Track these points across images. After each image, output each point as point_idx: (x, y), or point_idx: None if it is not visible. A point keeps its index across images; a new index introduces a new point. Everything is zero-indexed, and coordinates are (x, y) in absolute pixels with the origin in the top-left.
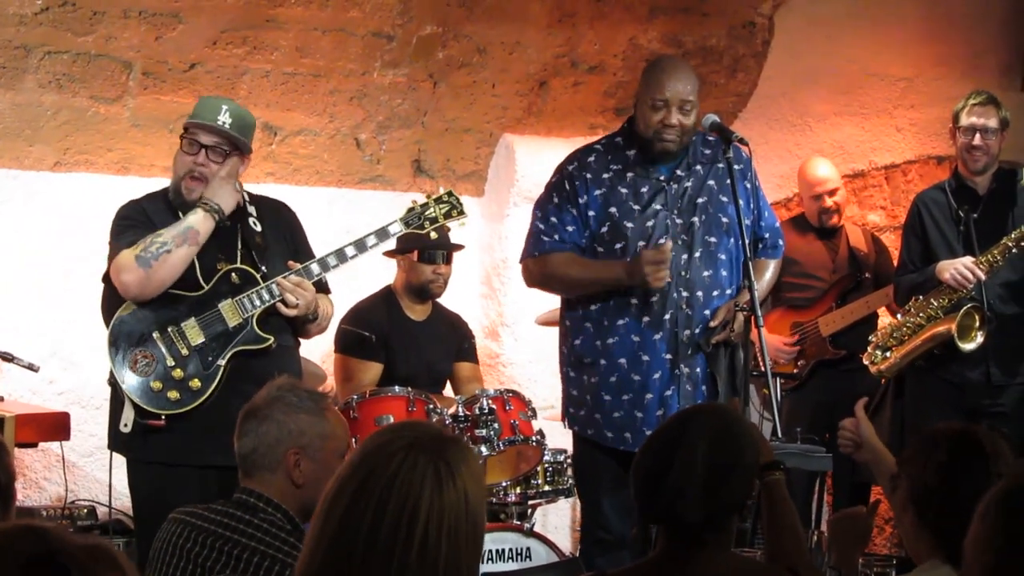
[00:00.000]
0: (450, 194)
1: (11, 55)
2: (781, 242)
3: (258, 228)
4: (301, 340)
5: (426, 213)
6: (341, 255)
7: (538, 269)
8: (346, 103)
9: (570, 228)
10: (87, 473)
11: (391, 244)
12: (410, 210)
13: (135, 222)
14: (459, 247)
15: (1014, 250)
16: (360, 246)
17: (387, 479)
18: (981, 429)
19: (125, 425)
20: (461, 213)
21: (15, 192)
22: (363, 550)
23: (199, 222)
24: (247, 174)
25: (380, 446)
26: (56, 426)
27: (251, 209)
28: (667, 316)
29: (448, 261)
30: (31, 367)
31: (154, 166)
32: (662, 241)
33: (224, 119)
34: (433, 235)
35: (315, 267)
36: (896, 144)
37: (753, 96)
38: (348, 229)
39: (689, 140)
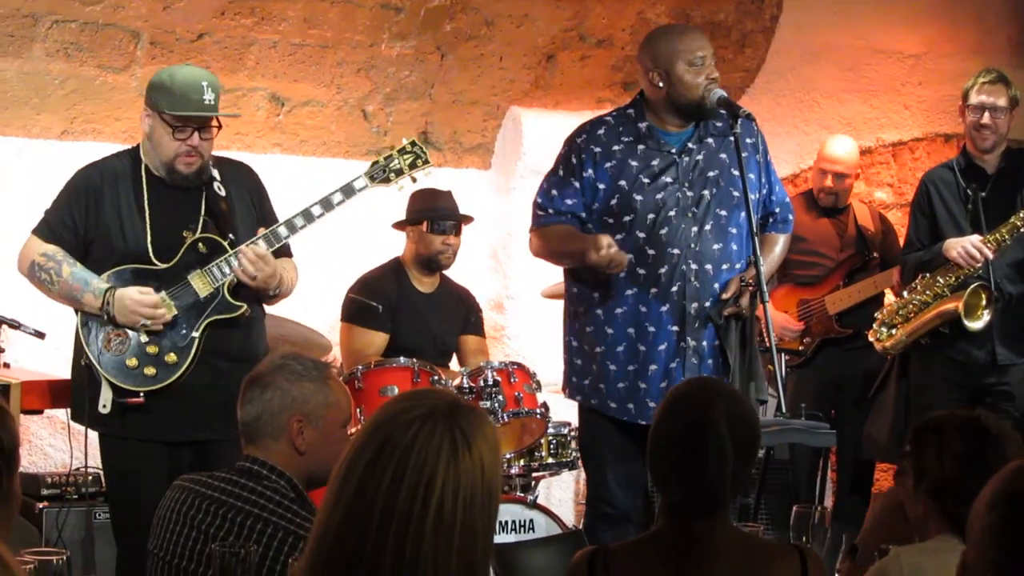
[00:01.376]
0: (414, 144)
1: (19, 24)
2: (791, 217)
3: (222, 192)
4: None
5: (391, 165)
6: (308, 215)
7: (537, 241)
8: (353, 74)
9: (569, 201)
10: (92, 440)
11: (392, 211)
12: (374, 164)
13: (70, 211)
14: (469, 219)
15: (1022, 229)
16: (326, 204)
17: (404, 448)
18: (983, 413)
19: (104, 406)
20: (426, 162)
21: (23, 161)
22: (380, 519)
23: (88, 303)
24: (254, 145)
25: (396, 414)
26: (62, 393)
27: (215, 173)
28: (674, 288)
29: (458, 232)
30: (37, 334)
31: None
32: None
33: (209, 97)
34: (399, 187)
35: (283, 230)
36: (904, 121)
37: (761, 71)
38: (354, 201)
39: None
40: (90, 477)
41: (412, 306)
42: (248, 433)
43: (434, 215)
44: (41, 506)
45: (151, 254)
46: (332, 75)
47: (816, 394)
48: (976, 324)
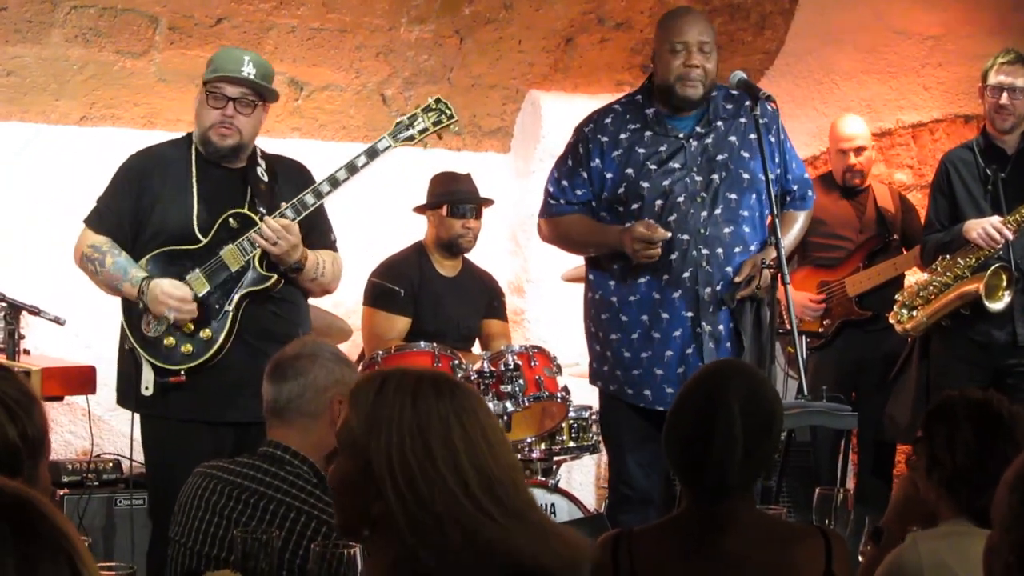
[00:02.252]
0: (438, 100)
1: (38, 9)
2: (811, 193)
3: (264, 178)
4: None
5: (415, 124)
6: (333, 180)
7: (549, 230)
8: (372, 59)
9: (579, 191)
10: (112, 427)
11: (412, 195)
12: (398, 123)
13: (121, 197)
14: (489, 202)
15: None
16: (351, 168)
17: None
18: (995, 396)
19: (146, 388)
20: (451, 118)
21: (41, 146)
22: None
23: (126, 292)
24: (273, 129)
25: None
26: (82, 380)
27: (261, 162)
28: (686, 274)
29: (478, 216)
30: (57, 320)
31: (180, 120)
32: (663, 231)
33: (248, 70)
34: (425, 145)
35: (309, 197)
36: (923, 102)
37: (780, 54)
38: (373, 184)
39: (711, 89)
40: (110, 464)
41: (434, 290)
42: (283, 412)
43: (453, 199)
44: (62, 493)
45: (197, 233)
46: (351, 59)
47: (836, 376)
48: (997, 305)
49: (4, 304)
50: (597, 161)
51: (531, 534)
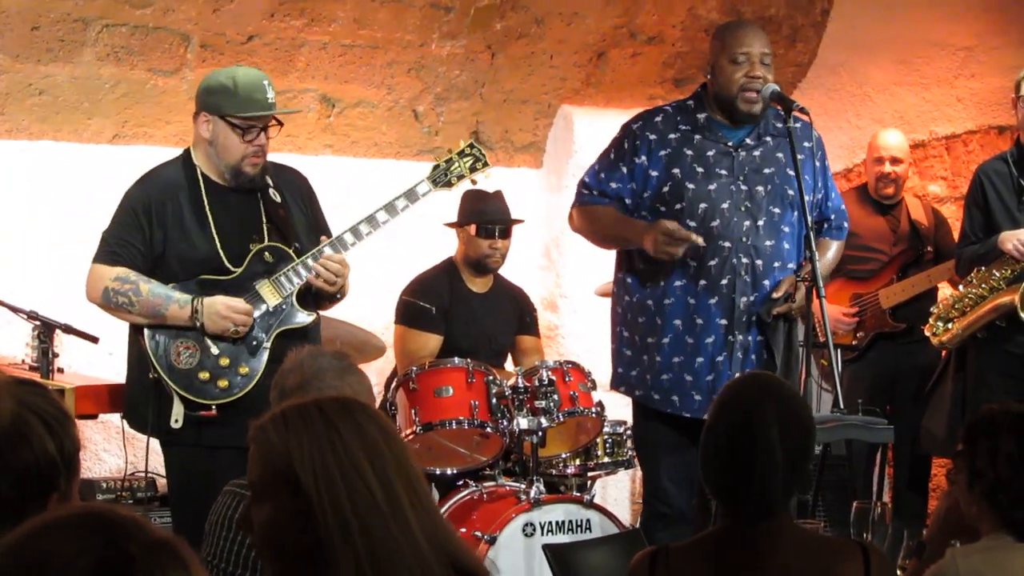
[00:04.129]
0: (472, 146)
1: (70, 28)
2: (846, 224)
3: (278, 199)
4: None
5: (452, 169)
6: (372, 221)
7: (579, 218)
8: (404, 75)
9: (614, 185)
10: (145, 445)
11: (444, 209)
12: (435, 168)
13: (132, 230)
14: (518, 221)
15: None
16: (391, 210)
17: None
18: None
19: (176, 421)
20: (485, 164)
21: (74, 165)
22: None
23: (173, 315)
24: (305, 146)
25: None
26: (116, 398)
27: (268, 180)
28: (724, 281)
29: (506, 236)
30: (91, 338)
31: None
32: (700, 241)
33: (271, 96)
34: (459, 189)
35: (348, 236)
36: (957, 114)
37: (812, 66)
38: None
39: (768, 104)
40: (144, 482)
41: (466, 307)
42: None
43: (482, 218)
44: None
45: (225, 262)
46: (382, 76)
47: (871, 389)
48: None
49: (38, 322)
50: (643, 158)
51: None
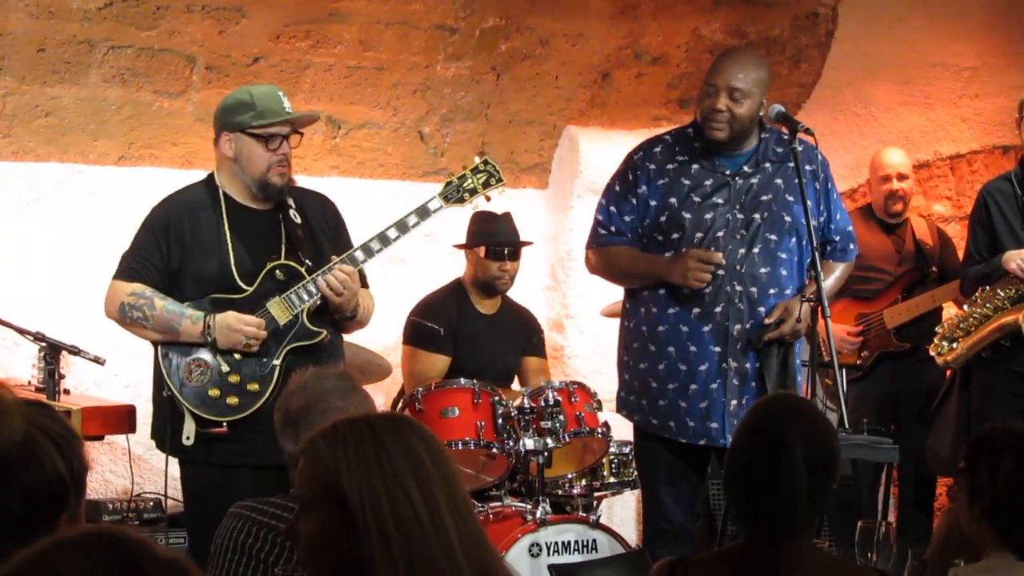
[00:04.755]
0: (486, 162)
1: (76, 50)
2: (853, 246)
3: (298, 220)
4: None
5: (464, 185)
6: (384, 239)
7: (597, 260)
8: (409, 96)
9: (627, 218)
10: (152, 466)
11: (453, 231)
12: (448, 184)
13: (150, 247)
14: (527, 243)
15: None
16: (402, 227)
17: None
18: None
19: (187, 438)
20: (500, 180)
21: (80, 186)
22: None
23: (186, 331)
24: (311, 167)
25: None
26: (122, 419)
27: (290, 202)
28: (718, 309)
29: (515, 258)
30: (97, 360)
31: None
32: (720, 255)
33: (288, 105)
34: (474, 206)
35: (359, 254)
36: (961, 134)
37: (817, 87)
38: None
39: (741, 131)
40: (151, 503)
41: (473, 329)
42: None
43: (491, 240)
44: None
45: (238, 280)
46: (388, 97)
47: (876, 408)
48: None
49: (44, 344)
50: (643, 188)
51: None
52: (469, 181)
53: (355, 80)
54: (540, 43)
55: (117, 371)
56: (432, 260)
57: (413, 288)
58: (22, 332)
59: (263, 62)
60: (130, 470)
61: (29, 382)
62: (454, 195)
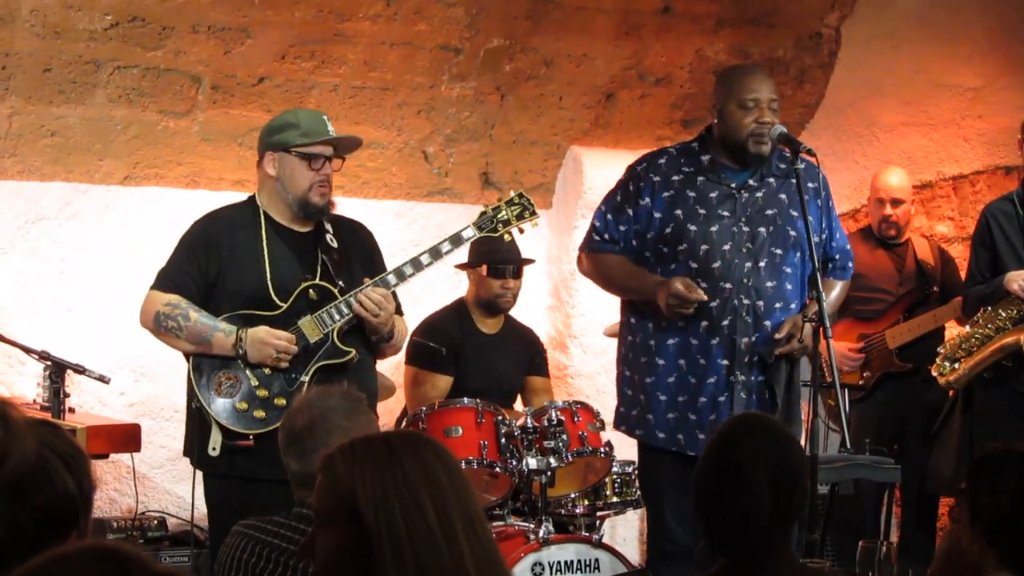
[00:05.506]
0: (521, 196)
1: (81, 70)
2: (850, 265)
3: (335, 244)
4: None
5: (498, 216)
6: (417, 264)
7: (588, 264)
8: (414, 116)
9: (623, 228)
10: (157, 484)
11: (465, 250)
12: (482, 214)
13: (189, 261)
14: (529, 261)
15: None
16: (435, 253)
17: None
18: None
19: (214, 449)
20: (533, 214)
21: (86, 206)
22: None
23: (218, 343)
24: None
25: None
26: (127, 437)
27: (327, 227)
28: (725, 322)
29: (518, 276)
30: (102, 379)
31: (223, 180)
32: (701, 293)
33: (331, 128)
34: (507, 237)
35: (391, 278)
36: (964, 154)
37: (820, 107)
38: (416, 242)
39: (776, 147)
40: (155, 521)
41: (476, 348)
42: (313, 482)
43: (494, 259)
44: None
45: (274, 297)
46: (392, 117)
47: (878, 429)
48: None
49: (49, 363)
50: (647, 199)
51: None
52: (504, 212)
53: (360, 100)
54: (544, 64)
55: (122, 390)
56: (433, 280)
57: (415, 309)
58: (27, 351)
59: (268, 82)
60: (134, 488)
61: (34, 400)
62: (488, 225)
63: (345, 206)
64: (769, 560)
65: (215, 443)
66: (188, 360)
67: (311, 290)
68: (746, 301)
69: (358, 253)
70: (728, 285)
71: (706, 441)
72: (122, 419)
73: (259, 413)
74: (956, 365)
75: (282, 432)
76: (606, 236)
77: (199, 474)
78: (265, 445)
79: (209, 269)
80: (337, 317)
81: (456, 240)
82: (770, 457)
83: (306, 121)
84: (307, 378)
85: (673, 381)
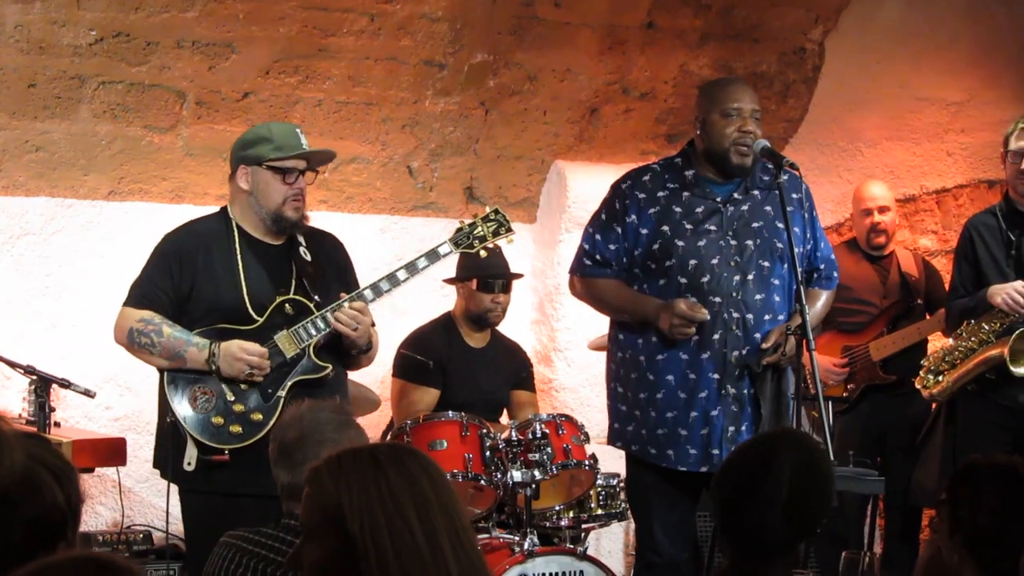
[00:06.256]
0: (496, 212)
1: (66, 85)
2: (835, 274)
3: (308, 257)
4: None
5: (474, 232)
6: (393, 279)
7: (582, 288)
8: (398, 131)
9: (612, 247)
10: (142, 498)
11: (442, 266)
12: (459, 230)
13: (161, 275)
14: (518, 276)
15: None
16: (411, 269)
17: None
18: (1021, 461)
19: (189, 464)
20: (509, 230)
21: (71, 221)
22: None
23: (192, 358)
24: None
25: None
26: (112, 451)
27: (300, 239)
28: (716, 336)
29: (507, 290)
30: (87, 393)
31: (208, 194)
32: (704, 312)
33: (305, 141)
34: (483, 254)
35: (368, 293)
36: (947, 168)
37: (804, 121)
38: (400, 256)
39: (759, 159)
40: (141, 535)
41: (463, 362)
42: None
43: (483, 273)
44: None
45: (250, 311)
46: (377, 132)
47: (862, 441)
48: (1022, 369)
49: (35, 377)
50: (633, 216)
51: None
52: (480, 229)
53: (344, 115)
54: (528, 79)
55: (107, 404)
56: (419, 294)
57: (400, 322)
58: (12, 365)
59: (253, 97)
60: (120, 502)
61: (20, 415)
62: (464, 241)
63: (329, 220)
64: (770, 568)
65: (190, 458)
66: (162, 375)
67: (287, 304)
68: (735, 314)
69: (331, 266)
70: (717, 299)
71: (739, 445)
72: (107, 433)
73: (235, 428)
74: (940, 378)
75: (272, 444)
76: (597, 257)
77: (174, 489)
78: (242, 461)
79: (183, 283)
80: (314, 332)
81: (432, 256)
82: (800, 464)
83: (279, 135)
84: (284, 393)
85: (663, 396)
